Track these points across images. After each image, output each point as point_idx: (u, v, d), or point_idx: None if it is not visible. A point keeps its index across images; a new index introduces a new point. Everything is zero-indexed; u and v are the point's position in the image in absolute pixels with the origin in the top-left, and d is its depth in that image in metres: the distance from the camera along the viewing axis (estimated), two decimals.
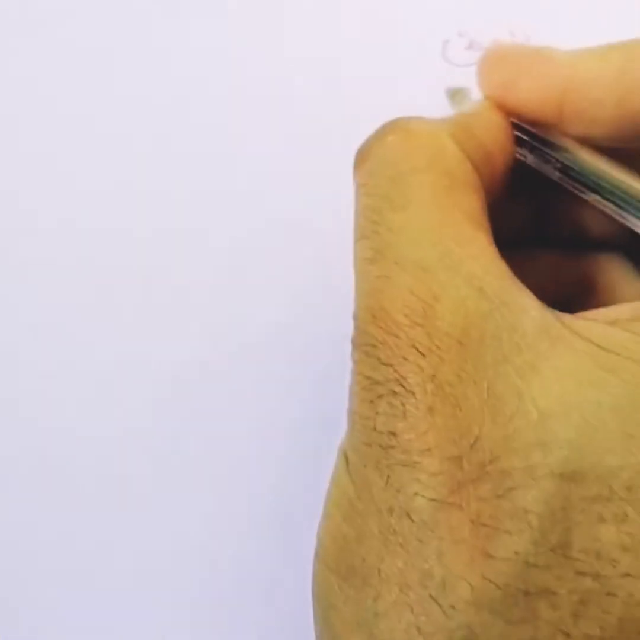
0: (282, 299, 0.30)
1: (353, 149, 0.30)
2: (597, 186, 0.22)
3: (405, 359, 0.18)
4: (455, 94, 0.26)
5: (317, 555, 0.19)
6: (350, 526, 0.18)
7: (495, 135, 0.22)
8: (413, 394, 0.17)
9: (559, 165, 0.23)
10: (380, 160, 0.21)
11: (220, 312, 0.30)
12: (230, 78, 0.31)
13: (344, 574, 0.18)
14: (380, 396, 0.18)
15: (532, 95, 0.22)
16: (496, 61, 0.23)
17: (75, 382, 0.29)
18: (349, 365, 0.19)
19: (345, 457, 0.19)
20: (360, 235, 0.20)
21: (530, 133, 0.23)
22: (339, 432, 0.20)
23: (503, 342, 0.17)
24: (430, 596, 0.16)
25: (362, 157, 0.21)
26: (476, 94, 0.24)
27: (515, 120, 0.23)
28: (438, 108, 0.30)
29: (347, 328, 0.20)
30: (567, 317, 0.18)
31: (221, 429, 0.29)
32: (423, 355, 0.18)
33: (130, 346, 0.29)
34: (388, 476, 0.17)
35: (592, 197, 0.22)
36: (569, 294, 0.25)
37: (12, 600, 0.29)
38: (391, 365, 0.18)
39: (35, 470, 0.29)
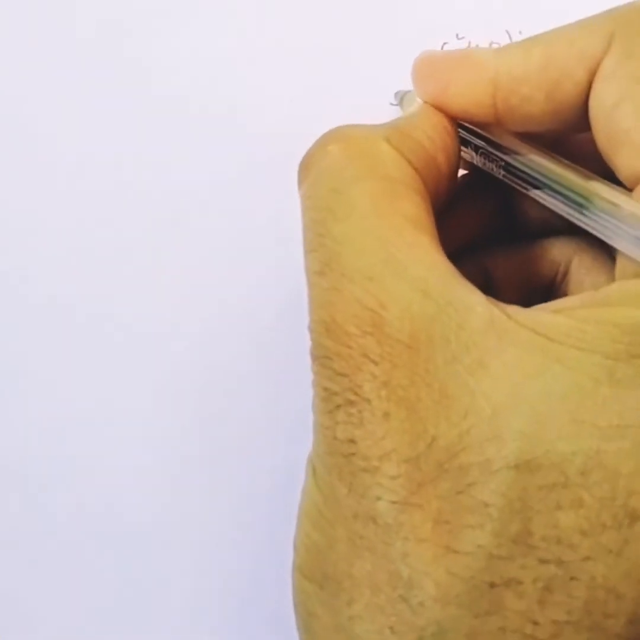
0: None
1: None
2: (536, 182, 0.22)
3: (358, 368, 0.18)
4: (404, 97, 0.26)
5: (294, 564, 0.20)
6: (321, 534, 0.19)
7: (435, 136, 0.22)
8: (368, 401, 0.18)
9: (502, 163, 0.23)
10: (322, 171, 0.21)
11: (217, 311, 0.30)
12: (230, 77, 0.31)
13: (319, 581, 0.18)
14: (338, 406, 0.18)
15: (464, 99, 0.23)
16: (426, 71, 0.23)
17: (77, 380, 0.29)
18: None
19: (312, 468, 0.19)
20: (309, 248, 0.20)
21: (473, 132, 0.24)
22: None
23: (451, 342, 0.18)
24: (400, 596, 0.17)
25: (305, 169, 0.22)
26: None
27: (459, 121, 0.23)
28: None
29: None
30: (512, 309, 0.18)
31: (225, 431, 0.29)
32: (375, 363, 0.18)
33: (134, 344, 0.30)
34: (351, 483, 0.18)
35: (534, 193, 0.22)
36: (549, 286, 0.26)
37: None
38: (346, 376, 0.18)
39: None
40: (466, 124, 0.24)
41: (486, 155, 0.24)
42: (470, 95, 0.22)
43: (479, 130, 0.24)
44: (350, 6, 0.31)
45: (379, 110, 0.30)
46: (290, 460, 0.28)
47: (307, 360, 0.20)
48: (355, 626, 0.17)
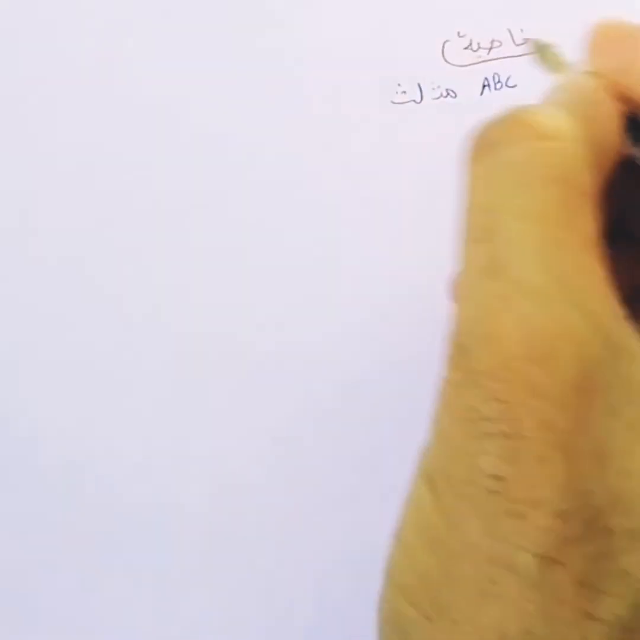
0: None
1: (353, 150, 0.30)
2: None
3: (521, 398, 0.16)
4: (544, 51, 0.24)
5: (391, 578, 0.18)
6: (438, 564, 0.17)
7: (609, 131, 0.20)
8: (526, 439, 0.16)
9: None
10: (506, 157, 0.19)
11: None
12: (228, 76, 0.31)
13: (428, 612, 0.17)
14: (488, 434, 0.16)
15: None
16: (610, 41, 0.21)
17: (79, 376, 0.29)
18: None
19: (430, 481, 0.18)
20: (475, 237, 0.18)
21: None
22: None
23: (614, 394, 0.16)
24: None
25: (485, 147, 0.19)
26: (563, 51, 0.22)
27: (626, 110, 0.21)
28: (438, 108, 0.30)
29: None
30: None
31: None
32: (542, 397, 0.16)
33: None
34: (491, 524, 0.16)
35: None
36: None
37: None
38: (505, 402, 0.16)
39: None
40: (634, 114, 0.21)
41: None
42: None
43: None
44: (350, 5, 0.31)
45: (380, 108, 0.30)
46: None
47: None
48: None
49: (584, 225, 0.18)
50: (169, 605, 0.29)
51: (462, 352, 0.17)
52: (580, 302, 0.17)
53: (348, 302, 0.30)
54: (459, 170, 0.20)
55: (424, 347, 0.29)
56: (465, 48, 0.30)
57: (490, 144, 0.19)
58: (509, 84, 0.30)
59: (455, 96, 0.30)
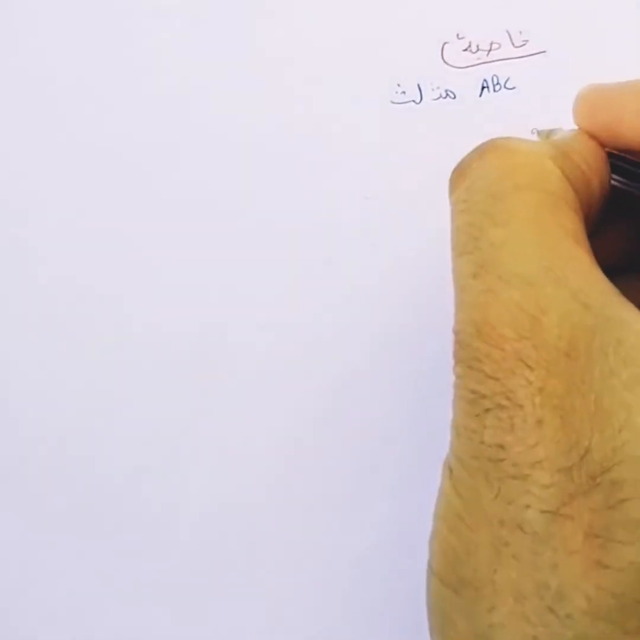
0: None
1: (352, 150, 0.31)
2: None
3: (512, 372, 0.18)
4: (549, 135, 0.26)
5: (429, 568, 0.19)
6: (459, 539, 0.18)
7: (591, 161, 0.22)
8: (521, 407, 0.17)
9: None
10: (480, 177, 0.20)
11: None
12: (228, 76, 0.31)
13: (456, 586, 0.18)
14: (487, 410, 0.18)
15: None
16: (596, 101, 0.23)
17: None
18: None
19: (449, 470, 0.19)
20: (462, 251, 0.20)
21: (628, 161, 0.23)
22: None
23: (609, 356, 0.17)
24: (547, 607, 0.17)
25: (460, 175, 0.21)
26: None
27: (610, 150, 0.23)
28: (437, 109, 0.30)
29: None
30: None
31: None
32: (531, 368, 0.18)
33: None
34: (499, 488, 0.17)
35: None
36: None
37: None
38: (498, 379, 0.18)
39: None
40: (619, 153, 0.23)
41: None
42: None
43: (633, 159, 0.23)
44: (350, 5, 0.31)
45: (380, 109, 0.30)
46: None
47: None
48: (496, 634, 0.17)
49: (564, 221, 0.19)
50: (169, 605, 0.29)
51: (462, 347, 0.19)
52: (565, 282, 0.18)
53: (348, 302, 0.30)
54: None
55: (425, 349, 0.29)
56: (465, 49, 0.30)
57: (464, 170, 0.21)
58: (508, 85, 0.30)
59: (455, 97, 0.30)
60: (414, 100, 0.30)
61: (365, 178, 0.30)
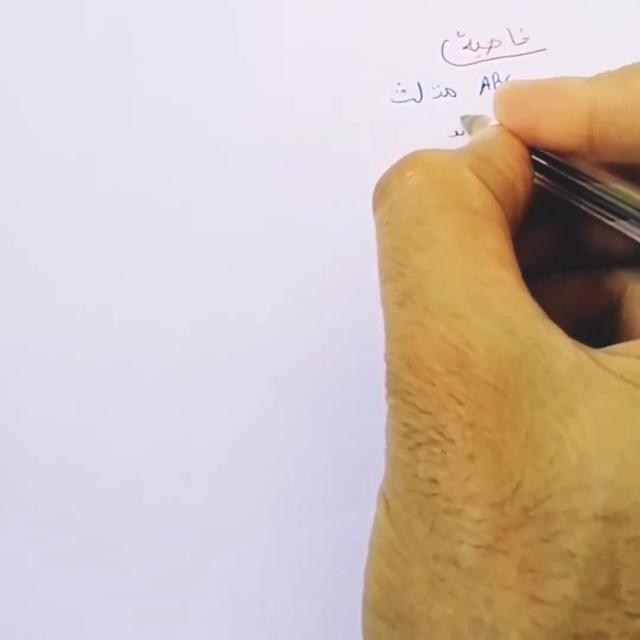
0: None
1: (352, 149, 0.30)
2: (625, 213, 0.21)
3: (443, 407, 0.18)
4: (473, 122, 0.26)
5: (364, 600, 0.19)
6: (395, 572, 0.18)
7: (515, 163, 0.22)
8: (452, 441, 0.17)
9: (584, 192, 0.22)
10: (402, 198, 0.20)
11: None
12: (228, 76, 0.31)
13: (392, 620, 0.18)
14: (419, 444, 0.18)
15: (558, 130, 0.22)
16: (514, 100, 0.23)
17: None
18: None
19: (385, 502, 0.19)
20: (387, 277, 0.20)
21: (552, 160, 0.23)
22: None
23: (538, 386, 0.17)
24: None
25: (382, 194, 0.21)
26: (493, 120, 0.24)
27: (534, 148, 0.23)
28: (438, 107, 0.30)
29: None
30: (598, 354, 0.18)
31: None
32: (461, 403, 0.17)
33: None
34: (432, 523, 0.17)
35: (620, 224, 0.22)
36: (601, 314, 0.25)
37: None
38: (429, 413, 0.18)
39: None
40: (541, 151, 0.23)
41: (565, 183, 0.23)
42: (565, 126, 0.22)
43: (555, 156, 0.23)
44: (351, 5, 0.31)
45: (380, 109, 0.30)
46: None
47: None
48: None
49: (489, 242, 0.19)
50: (169, 606, 0.29)
51: (393, 379, 0.19)
52: (490, 311, 0.18)
53: (349, 302, 0.30)
54: None
55: None
56: (465, 47, 0.30)
57: (386, 189, 0.21)
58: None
59: (455, 95, 0.30)
60: (414, 99, 0.30)
61: (365, 178, 0.30)
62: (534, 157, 0.23)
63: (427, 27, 0.30)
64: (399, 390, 0.18)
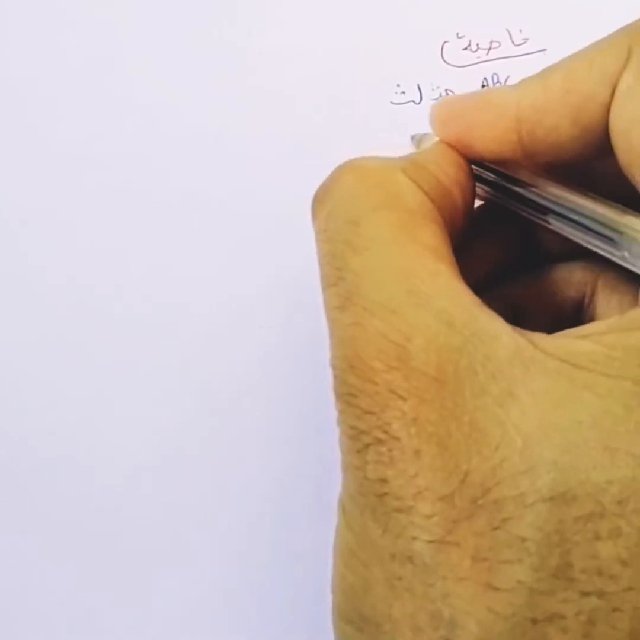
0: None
1: (352, 150, 0.30)
2: (555, 213, 0.22)
3: (386, 405, 0.18)
4: (421, 140, 0.26)
5: (332, 606, 0.19)
6: (355, 575, 0.18)
7: (450, 170, 0.22)
8: (398, 439, 0.17)
9: (519, 197, 0.23)
10: (337, 203, 0.20)
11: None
12: (227, 76, 0.31)
13: (358, 624, 0.18)
14: (367, 445, 0.18)
15: (489, 140, 0.22)
16: (447, 115, 0.23)
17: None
18: None
19: (342, 507, 0.19)
20: (327, 283, 0.20)
21: (490, 169, 0.24)
22: None
23: (479, 374, 0.17)
24: (442, 637, 0.17)
25: (319, 201, 0.21)
26: None
27: (476, 161, 0.23)
28: None
29: None
30: (538, 337, 0.18)
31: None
32: (403, 399, 0.17)
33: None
34: (385, 523, 0.17)
35: (554, 225, 0.22)
36: (579, 308, 0.25)
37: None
38: (374, 413, 0.18)
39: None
40: (482, 163, 0.24)
41: (503, 190, 0.23)
42: (495, 135, 0.22)
43: (493, 166, 0.23)
44: (350, 6, 0.31)
45: (379, 110, 0.30)
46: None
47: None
48: None
49: (424, 237, 0.19)
50: (169, 605, 0.29)
51: (339, 383, 0.19)
52: (427, 304, 0.18)
53: None
54: None
55: None
56: (464, 48, 0.30)
57: (323, 196, 0.21)
58: (508, 84, 0.30)
59: None
60: (413, 101, 0.30)
61: None
62: (475, 168, 0.23)
63: (427, 28, 0.30)
64: (344, 393, 0.18)
